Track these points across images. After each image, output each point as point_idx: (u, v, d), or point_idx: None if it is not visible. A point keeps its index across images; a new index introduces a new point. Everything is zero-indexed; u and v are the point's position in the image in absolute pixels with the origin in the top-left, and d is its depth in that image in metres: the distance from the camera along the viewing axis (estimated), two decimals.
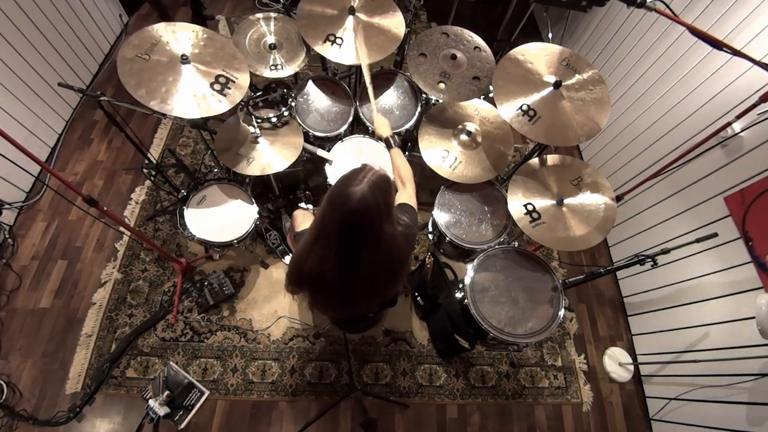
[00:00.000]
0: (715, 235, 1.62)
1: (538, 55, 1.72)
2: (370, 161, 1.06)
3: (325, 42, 1.84)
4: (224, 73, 1.61)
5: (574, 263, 2.57)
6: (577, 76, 1.70)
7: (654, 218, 2.18)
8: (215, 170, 2.48)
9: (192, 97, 1.53)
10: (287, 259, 2.29)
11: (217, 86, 1.59)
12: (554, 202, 1.73)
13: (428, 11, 3.56)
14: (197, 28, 1.65)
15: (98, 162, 2.57)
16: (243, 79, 1.64)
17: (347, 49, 1.84)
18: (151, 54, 1.54)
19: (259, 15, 2.01)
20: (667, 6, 1.32)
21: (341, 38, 1.85)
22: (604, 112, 1.66)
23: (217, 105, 1.56)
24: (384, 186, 0.97)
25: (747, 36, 1.69)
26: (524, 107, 1.65)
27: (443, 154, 1.90)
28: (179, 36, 1.61)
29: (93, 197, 1.49)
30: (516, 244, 1.81)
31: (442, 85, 1.87)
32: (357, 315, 1.47)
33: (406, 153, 2.15)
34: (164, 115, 1.74)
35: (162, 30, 1.59)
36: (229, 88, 1.60)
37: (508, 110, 1.65)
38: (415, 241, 1.29)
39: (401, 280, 1.21)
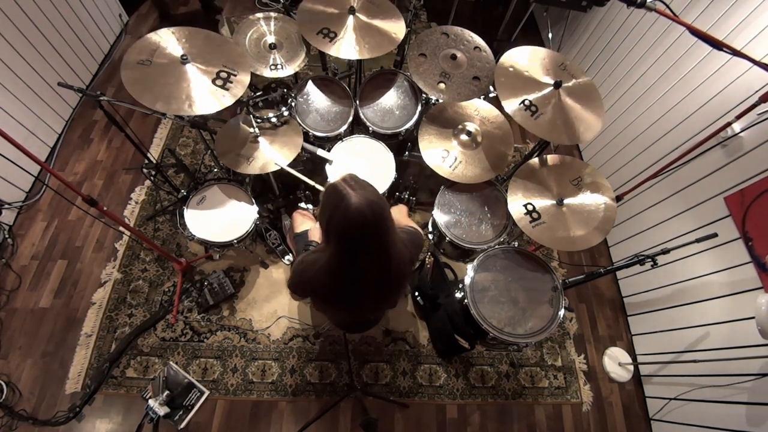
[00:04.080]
0: (715, 235, 1.62)
1: (531, 61, 1.75)
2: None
3: (317, 34, 1.83)
4: (225, 69, 1.62)
5: (574, 263, 2.57)
6: (574, 81, 1.72)
7: (654, 218, 2.18)
8: (215, 170, 2.48)
9: (208, 92, 1.57)
10: (287, 258, 2.29)
11: (218, 82, 1.60)
12: (554, 202, 1.73)
13: (428, 11, 3.56)
14: (176, 29, 1.66)
15: (98, 162, 2.56)
16: (243, 75, 1.65)
17: (343, 44, 1.84)
18: (153, 58, 1.56)
19: (259, 15, 2.01)
20: (667, 6, 1.32)
21: (334, 32, 1.84)
22: (597, 116, 1.68)
23: (228, 98, 1.59)
24: (364, 183, 0.99)
25: (747, 36, 1.69)
26: (527, 102, 1.66)
27: (443, 154, 1.90)
28: (167, 39, 1.62)
29: (93, 197, 1.49)
30: (516, 244, 1.81)
31: (442, 85, 1.87)
32: (361, 319, 1.48)
33: (406, 153, 2.15)
34: (164, 114, 1.74)
35: (154, 37, 1.61)
36: (231, 83, 1.61)
37: (511, 104, 1.66)
38: (422, 245, 1.32)
39: (406, 284, 1.23)
